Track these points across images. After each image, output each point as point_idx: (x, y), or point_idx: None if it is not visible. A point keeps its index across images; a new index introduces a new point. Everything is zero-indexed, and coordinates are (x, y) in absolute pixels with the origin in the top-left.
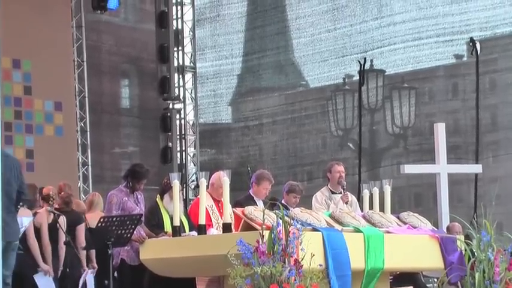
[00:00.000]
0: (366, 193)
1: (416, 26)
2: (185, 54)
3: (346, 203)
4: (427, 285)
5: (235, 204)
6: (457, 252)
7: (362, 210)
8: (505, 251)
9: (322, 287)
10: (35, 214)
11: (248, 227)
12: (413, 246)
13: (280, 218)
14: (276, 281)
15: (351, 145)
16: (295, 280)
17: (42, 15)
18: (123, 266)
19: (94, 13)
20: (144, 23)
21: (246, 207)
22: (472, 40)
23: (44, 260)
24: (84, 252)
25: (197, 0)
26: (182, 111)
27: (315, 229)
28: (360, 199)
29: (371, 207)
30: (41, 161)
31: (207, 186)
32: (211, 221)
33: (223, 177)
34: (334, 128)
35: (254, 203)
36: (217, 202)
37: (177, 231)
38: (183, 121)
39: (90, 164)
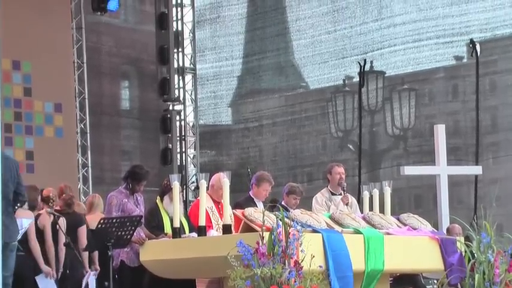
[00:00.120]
0: (365, 194)
1: (417, 27)
2: (185, 56)
3: (347, 204)
4: (427, 286)
5: (235, 205)
6: (457, 254)
7: (362, 212)
8: (505, 253)
9: None
10: (38, 216)
11: (248, 229)
12: (413, 247)
13: (280, 220)
14: (276, 283)
15: (351, 146)
16: (295, 281)
17: (42, 17)
18: (122, 268)
19: (94, 14)
20: (144, 24)
21: (246, 209)
22: (472, 42)
23: (47, 262)
24: (87, 253)
25: (197, 1)
26: (182, 113)
27: (315, 230)
28: (359, 200)
29: (371, 208)
30: (41, 162)
31: (207, 188)
32: (211, 222)
33: (223, 179)
34: (334, 130)
35: (254, 205)
36: (217, 203)
37: (177, 232)
38: (183, 122)
39: (90, 165)
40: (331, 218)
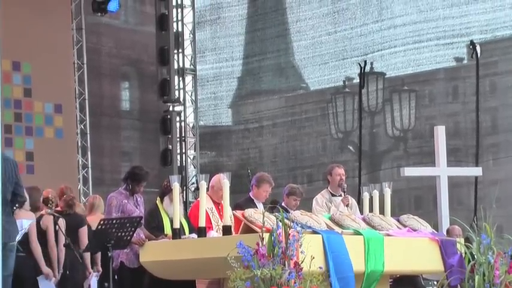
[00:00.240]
0: (366, 196)
1: (417, 28)
2: (185, 57)
3: (347, 205)
4: None
5: (235, 206)
6: (457, 255)
7: (362, 213)
8: (505, 254)
9: None
10: (40, 217)
11: (248, 230)
12: (413, 249)
13: (280, 221)
14: (276, 284)
15: (351, 148)
16: (295, 283)
17: (42, 18)
18: (122, 269)
19: (94, 15)
20: (144, 25)
21: (246, 210)
22: (472, 43)
23: (49, 263)
24: (88, 254)
25: (197, 2)
26: (182, 114)
27: (315, 232)
28: (360, 202)
29: (371, 209)
30: (40, 163)
31: (207, 189)
32: (211, 223)
33: (223, 180)
34: (335, 131)
35: (254, 206)
36: (217, 204)
37: (177, 233)
38: (183, 123)
39: (90, 166)
40: (331, 219)
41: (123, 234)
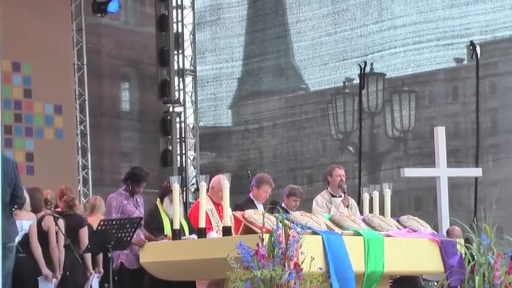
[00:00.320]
0: (366, 196)
1: (417, 29)
2: (185, 58)
3: (347, 206)
4: None
5: (235, 207)
6: (457, 256)
7: (362, 214)
8: (505, 255)
9: None
10: (42, 218)
11: (248, 231)
12: (413, 249)
13: (280, 222)
14: (276, 285)
15: (351, 148)
16: (295, 283)
17: (42, 18)
18: (122, 270)
19: (94, 16)
20: (144, 26)
21: (246, 211)
22: (472, 44)
23: (51, 264)
24: (89, 255)
25: (197, 3)
26: (182, 115)
27: (315, 232)
28: (360, 202)
29: (371, 210)
30: (41, 164)
31: (207, 190)
32: (211, 224)
33: (223, 181)
34: (335, 132)
35: (254, 207)
36: (217, 205)
37: (177, 234)
38: (183, 124)
39: (90, 167)
40: (331, 220)
41: (123, 235)
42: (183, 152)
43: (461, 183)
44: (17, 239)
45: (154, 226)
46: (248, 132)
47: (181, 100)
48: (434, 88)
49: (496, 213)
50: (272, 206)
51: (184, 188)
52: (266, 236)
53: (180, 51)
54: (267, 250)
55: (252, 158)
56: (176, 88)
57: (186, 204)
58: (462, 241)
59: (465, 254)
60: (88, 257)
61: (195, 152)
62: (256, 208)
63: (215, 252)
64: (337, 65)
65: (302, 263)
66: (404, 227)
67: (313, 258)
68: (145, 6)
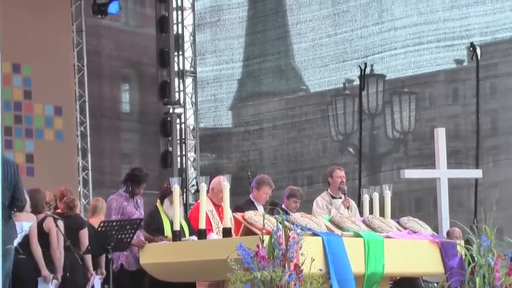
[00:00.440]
0: (366, 198)
1: (417, 31)
2: (185, 59)
3: (348, 207)
4: None
5: (235, 208)
6: (457, 257)
7: (362, 215)
8: (505, 256)
9: None
10: (43, 219)
11: (248, 232)
12: (413, 251)
13: (280, 223)
14: (276, 286)
15: (351, 150)
16: (295, 285)
17: (43, 20)
18: (122, 271)
19: (94, 17)
20: (144, 27)
21: (246, 212)
22: (472, 45)
23: (52, 266)
24: (89, 256)
25: (198, 4)
26: (182, 116)
27: (315, 234)
28: (360, 204)
29: (371, 212)
30: (41, 165)
31: (207, 191)
32: (211, 225)
33: (224, 182)
34: (335, 133)
35: (254, 208)
36: (218, 207)
37: (177, 235)
38: (183, 126)
39: (90, 168)
40: (332, 221)
41: (123, 236)
42: (183, 153)
43: (461, 185)
44: (17, 240)
45: (154, 227)
46: (248, 134)
47: (181, 101)
48: (434, 89)
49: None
50: (272, 207)
51: (185, 190)
52: (266, 238)
53: (180, 53)
54: (267, 251)
55: (252, 159)
56: (176, 89)
57: (186, 206)
58: (462, 242)
59: (465, 255)
60: (88, 258)
61: (195, 153)
62: (257, 209)
63: (215, 253)
64: (337, 67)
65: (302, 264)
66: (405, 228)
67: (313, 260)
68: (146, 7)
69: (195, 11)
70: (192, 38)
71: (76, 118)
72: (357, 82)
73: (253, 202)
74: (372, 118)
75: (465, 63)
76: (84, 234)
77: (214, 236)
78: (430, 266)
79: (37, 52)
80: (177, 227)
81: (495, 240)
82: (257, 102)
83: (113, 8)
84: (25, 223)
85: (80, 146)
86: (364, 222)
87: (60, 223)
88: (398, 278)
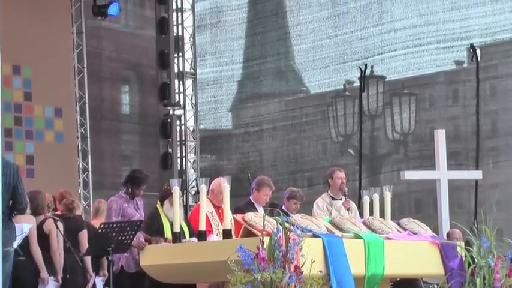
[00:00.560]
0: (366, 199)
1: (417, 32)
2: (185, 61)
3: (348, 209)
4: None
5: (235, 210)
6: (457, 259)
7: (362, 216)
8: (505, 257)
9: None
10: (43, 221)
11: (248, 233)
12: (413, 252)
13: (281, 224)
14: (276, 287)
15: (351, 151)
16: (295, 286)
17: (43, 22)
18: (122, 273)
19: (94, 19)
20: (144, 29)
21: (246, 214)
22: (472, 46)
23: (52, 267)
24: (89, 258)
25: (198, 6)
26: (182, 118)
27: (315, 235)
28: (360, 205)
29: (371, 213)
30: (41, 167)
31: (208, 193)
32: (211, 227)
33: (224, 184)
34: (335, 134)
35: (254, 209)
36: (218, 208)
37: (177, 237)
38: (183, 127)
39: (90, 170)
40: (332, 222)
41: (123, 238)
42: (183, 154)
43: (461, 186)
44: (17, 242)
45: (154, 229)
46: (248, 135)
47: (181, 103)
48: (434, 91)
49: (496, 216)
50: (272, 209)
51: (185, 191)
52: (266, 239)
53: (180, 54)
54: (268, 253)
55: (252, 160)
56: (176, 91)
57: (186, 207)
58: (462, 244)
59: (465, 256)
60: (88, 259)
61: (195, 154)
62: (257, 211)
63: (215, 255)
64: (337, 68)
65: (302, 265)
66: (405, 229)
67: (314, 261)
68: (146, 9)
69: (195, 13)
70: (192, 39)
71: (76, 120)
72: (357, 83)
73: (254, 203)
74: (372, 119)
75: (465, 65)
76: (84, 236)
77: (215, 237)
78: (430, 267)
79: (37, 54)
80: (177, 229)
81: (495, 242)
82: (257, 103)
83: (112, 9)
84: (25, 225)
85: (80, 147)
86: (364, 223)
87: (60, 225)
88: (398, 279)
